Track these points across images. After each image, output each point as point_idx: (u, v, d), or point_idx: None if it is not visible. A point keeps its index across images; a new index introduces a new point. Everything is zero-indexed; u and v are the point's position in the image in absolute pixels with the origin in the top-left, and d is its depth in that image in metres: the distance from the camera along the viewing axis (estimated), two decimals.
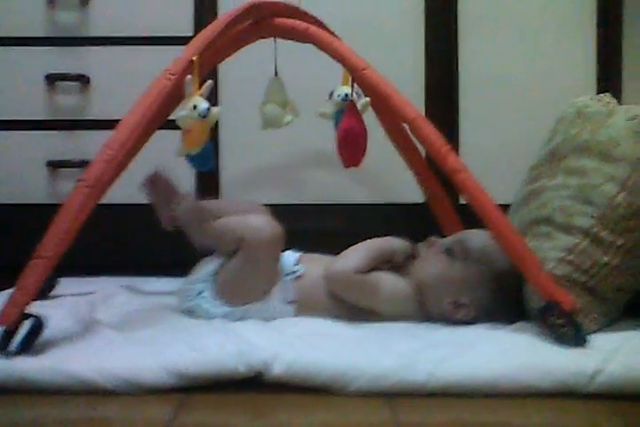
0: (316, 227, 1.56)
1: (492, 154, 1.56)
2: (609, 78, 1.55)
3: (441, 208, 1.42)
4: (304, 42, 1.19)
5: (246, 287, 1.14)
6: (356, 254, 1.14)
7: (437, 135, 1.07)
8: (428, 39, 1.56)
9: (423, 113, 1.52)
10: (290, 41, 1.23)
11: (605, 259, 1.04)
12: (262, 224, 1.14)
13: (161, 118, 1.13)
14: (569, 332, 0.97)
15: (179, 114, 1.08)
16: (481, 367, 0.89)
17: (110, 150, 1.02)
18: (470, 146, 1.55)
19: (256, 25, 1.21)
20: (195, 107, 1.07)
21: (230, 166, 1.49)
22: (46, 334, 0.96)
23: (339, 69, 1.22)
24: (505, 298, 1.11)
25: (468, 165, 1.07)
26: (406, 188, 1.52)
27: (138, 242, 1.57)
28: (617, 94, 1.50)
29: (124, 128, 1.04)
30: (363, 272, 1.12)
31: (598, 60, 1.56)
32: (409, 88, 1.48)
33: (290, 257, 1.20)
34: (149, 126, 1.08)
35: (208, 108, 1.07)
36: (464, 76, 1.56)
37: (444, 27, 1.56)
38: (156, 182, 1.25)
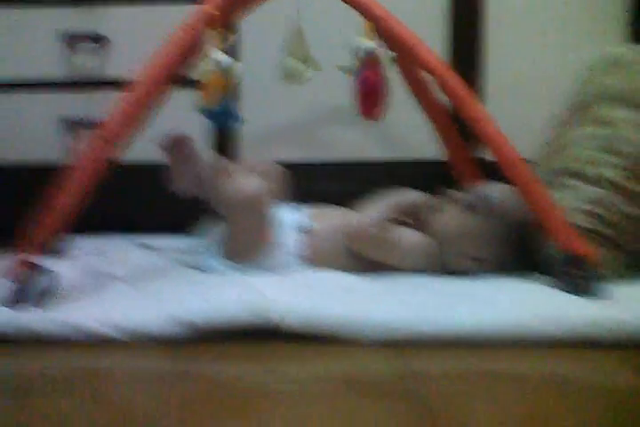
0: (334, 184, 1.55)
1: (518, 104, 1.52)
2: None
3: (462, 165, 1.40)
4: None
5: (245, 245, 1.14)
6: (375, 209, 1.13)
7: (461, 84, 1.04)
8: None
9: (446, 59, 1.50)
10: None
11: (631, 210, 1.02)
12: (243, 185, 1.13)
13: (179, 74, 1.11)
14: (588, 283, 0.96)
15: (198, 67, 1.06)
16: (495, 317, 0.88)
17: (127, 104, 1.01)
18: (495, 96, 1.52)
19: None
20: (214, 60, 1.06)
21: (249, 123, 1.47)
22: (59, 286, 0.96)
23: (361, 22, 1.19)
24: (524, 251, 1.10)
25: (492, 114, 1.04)
26: (426, 144, 1.49)
27: (152, 201, 1.56)
28: None
29: (141, 82, 1.03)
30: (382, 227, 1.10)
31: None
32: (431, 37, 1.46)
33: (299, 211, 1.20)
34: (167, 81, 1.06)
35: (228, 62, 1.06)
36: (490, 24, 1.53)
37: None
38: (177, 144, 1.23)
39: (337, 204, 1.26)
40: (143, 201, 1.55)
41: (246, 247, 1.14)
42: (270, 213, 1.16)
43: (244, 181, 1.15)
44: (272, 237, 1.14)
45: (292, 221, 1.17)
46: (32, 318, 0.89)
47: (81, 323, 0.88)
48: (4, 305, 0.92)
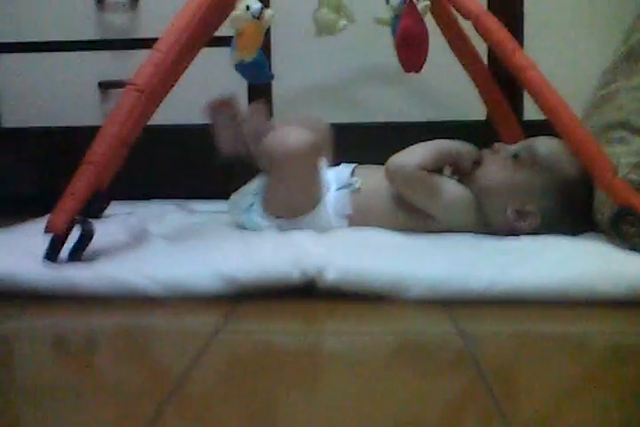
0: (372, 146, 1.50)
1: (561, 52, 1.45)
2: None
3: (505, 124, 1.35)
4: None
5: (289, 201, 1.11)
6: (421, 150, 1.08)
7: (503, 31, 0.99)
8: None
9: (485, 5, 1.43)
10: None
11: None
12: (290, 137, 1.09)
13: (210, 23, 1.08)
14: None
15: (231, 15, 1.03)
16: (546, 274, 0.83)
17: (159, 53, 0.99)
18: (536, 42, 1.43)
19: None
20: (248, 7, 1.03)
21: (283, 81, 1.44)
22: (97, 243, 0.94)
23: None
24: (573, 208, 1.05)
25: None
26: (467, 105, 1.44)
27: (191, 166, 1.54)
28: None
29: (172, 30, 1.00)
30: (426, 170, 1.06)
31: None
32: None
33: (345, 169, 1.16)
34: (197, 30, 1.03)
35: (261, 9, 1.03)
36: None
37: None
38: (223, 106, 1.20)
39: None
40: (182, 165, 1.53)
41: (292, 203, 1.11)
42: (319, 167, 1.13)
43: (294, 132, 1.10)
44: (319, 193, 1.11)
45: (337, 178, 1.14)
46: (76, 274, 0.87)
47: (124, 278, 0.86)
48: (44, 259, 0.90)
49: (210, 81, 1.43)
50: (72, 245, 0.92)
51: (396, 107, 1.50)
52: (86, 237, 0.92)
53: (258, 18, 1.04)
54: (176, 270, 0.88)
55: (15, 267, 0.88)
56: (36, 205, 1.23)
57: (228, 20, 1.05)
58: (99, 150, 0.95)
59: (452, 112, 1.50)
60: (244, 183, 1.20)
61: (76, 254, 0.91)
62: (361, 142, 1.48)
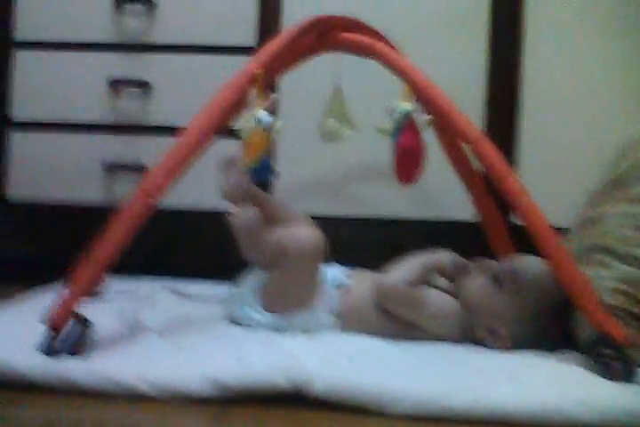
0: (364, 240, 1.56)
1: (552, 171, 1.53)
2: None
3: (493, 228, 1.41)
4: (367, 57, 1.19)
5: (289, 297, 1.15)
6: (406, 267, 1.14)
7: (498, 156, 1.05)
8: (492, 52, 1.54)
9: (482, 125, 1.52)
10: (351, 54, 1.23)
11: None
12: (307, 236, 1.15)
13: (221, 127, 1.14)
14: (619, 365, 0.95)
15: (242, 126, 1.09)
16: (527, 397, 0.88)
17: (172, 159, 1.04)
18: (529, 162, 1.53)
19: (321, 38, 1.21)
20: (258, 119, 1.08)
21: (283, 177, 1.50)
22: (92, 335, 0.98)
23: (400, 84, 1.22)
24: (546, 334, 1.09)
25: (526, 182, 1.05)
26: (458, 205, 1.51)
27: (185, 246, 1.59)
28: None
29: (185, 138, 1.06)
30: (413, 285, 1.12)
31: None
32: (469, 100, 1.50)
33: (340, 270, 1.21)
34: (209, 136, 1.09)
35: (270, 120, 1.08)
36: (527, 91, 1.54)
37: (509, 40, 1.54)
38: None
39: (365, 260, 1.27)
40: (184, 246, 1.57)
41: (292, 299, 1.15)
42: (321, 266, 1.17)
43: (304, 231, 1.16)
44: (316, 290, 1.16)
45: (333, 278, 1.18)
46: (69, 368, 0.91)
47: (118, 377, 0.89)
48: (41, 352, 0.93)
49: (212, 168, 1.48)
50: (69, 338, 0.95)
51: (392, 204, 1.57)
52: (82, 333, 0.96)
53: (267, 130, 1.09)
54: (168, 373, 0.91)
55: (10, 356, 0.92)
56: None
57: (239, 129, 1.10)
58: (106, 251, 0.99)
59: (443, 211, 1.56)
60: (241, 267, 1.24)
61: (72, 348, 0.95)
62: (352, 235, 1.54)
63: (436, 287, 1.15)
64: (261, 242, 1.17)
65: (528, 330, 1.09)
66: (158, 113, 1.60)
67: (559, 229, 1.07)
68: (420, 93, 1.12)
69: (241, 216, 1.17)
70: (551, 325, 1.09)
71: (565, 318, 1.08)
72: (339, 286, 1.17)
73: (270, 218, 1.21)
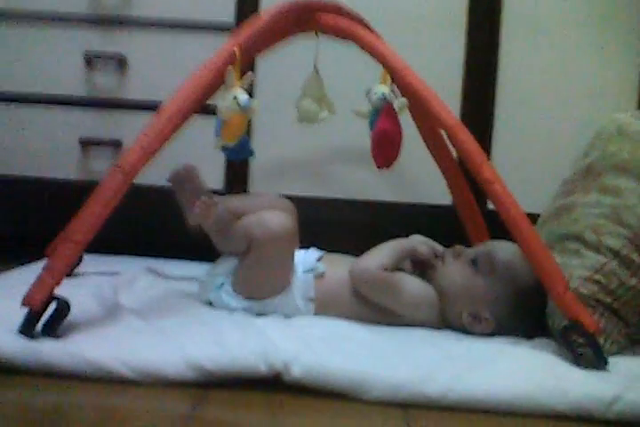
0: (341, 222, 1.57)
1: (526, 160, 1.56)
2: None
3: (468, 213, 1.42)
4: (345, 39, 1.18)
5: (261, 283, 1.15)
6: (381, 252, 1.15)
7: (474, 144, 1.06)
8: (469, 44, 1.56)
9: (458, 115, 1.52)
10: (330, 37, 1.22)
11: (633, 281, 1.03)
12: (272, 220, 1.14)
13: (198, 106, 1.13)
14: (589, 353, 0.96)
15: (219, 105, 1.08)
16: (498, 385, 0.89)
17: (148, 138, 1.02)
18: (504, 151, 1.55)
19: (299, 20, 1.20)
20: (235, 98, 1.07)
21: (261, 157, 1.49)
22: (70, 317, 0.97)
23: (378, 68, 1.21)
24: (527, 314, 1.11)
25: (500, 170, 1.06)
26: (435, 189, 1.52)
27: (163, 223, 1.58)
28: None
29: (162, 116, 1.04)
30: (388, 270, 1.12)
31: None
32: (446, 90, 1.49)
33: (312, 255, 1.21)
34: (187, 115, 1.08)
35: (247, 100, 1.08)
36: (502, 82, 1.56)
37: (486, 33, 1.55)
38: (185, 179, 1.23)
39: (341, 241, 1.28)
40: (160, 224, 1.56)
41: (264, 285, 1.15)
42: (294, 251, 1.17)
43: (274, 217, 1.15)
44: (289, 276, 1.16)
45: (304, 261, 1.18)
46: (48, 351, 0.90)
47: (96, 360, 0.89)
48: (19, 333, 0.93)
49: (191, 146, 1.46)
50: (47, 318, 0.94)
51: (367, 186, 1.57)
52: (61, 314, 0.95)
53: (245, 109, 1.09)
54: (147, 356, 0.91)
55: None
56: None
57: (217, 109, 1.09)
58: (82, 229, 0.98)
59: (419, 195, 1.57)
60: (212, 260, 1.24)
61: (51, 329, 0.94)
62: (329, 217, 1.55)
63: (412, 273, 1.16)
64: (230, 231, 1.17)
65: (509, 311, 1.10)
66: (135, 89, 1.58)
67: (533, 216, 1.08)
68: (398, 78, 1.12)
69: (204, 213, 1.16)
70: (532, 306, 1.11)
71: (543, 308, 1.10)
72: (311, 271, 1.17)
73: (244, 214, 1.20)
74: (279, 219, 1.14)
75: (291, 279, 1.15)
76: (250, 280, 1.15)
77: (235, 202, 1.25)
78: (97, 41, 1.57)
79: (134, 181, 1.01)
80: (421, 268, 1.17)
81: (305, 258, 1.19)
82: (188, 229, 1.21)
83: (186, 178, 1.23)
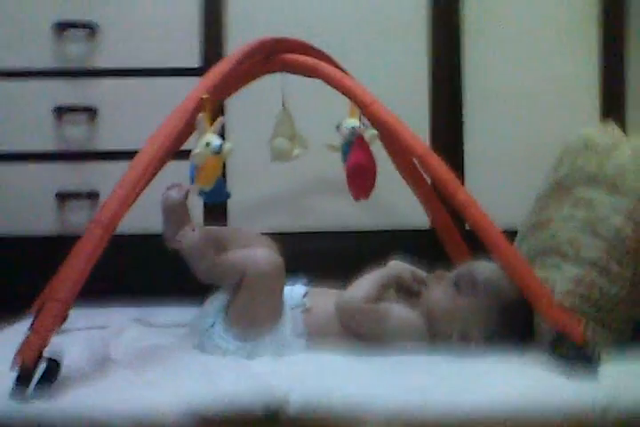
0: (323, 253, 1.58)
1: (498, 177, 1.60)
2: (612, 100, 1.60)
3: (448, 235, 1.44)
4: (313, 77, 1.21)
5: (254, 320, 1.15)
6: (365, 284, 1.16)
7: (446, 171, 1.08)
8: (433, 56, 1.60)
9: (428, 130, 1.57)
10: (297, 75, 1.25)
11: (614, 290, 1.06)
12: (263, 257, 1.14)
13: (172, 154, 1.14)
14: (579, 364, 0.98)
15: (193, 152, 1.09)
16: (494, 402, 0.91)
17: (123, 190, 1.03)
18: (476, 170, 1.59)
19: (266, 60, 1.23)
20: (208, 144, 1.09)
21: (238, 195, 1.50)
22: (62, 373, 0.96)
23: (346, 101, 1.23)
24: (515, 328, 1.12)
25: (474, 189, 1.10)
26: (413, 213, 1.53)
27: (147, 270, 1.58)
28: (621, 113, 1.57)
29: (136, 167, 1.04)
30: (372, 301, 1.13)
31: (602, 85, 1.61)
32: (413, 107, 1.55)
33: (298, 290, 1.21)
34: (161, 163, 1.09)
35: (221, 145, 1.09)
36: (469, 93, 1.60)
37: (449, 42, 1.60)
38: (176, 203, 1.23)
39: (325, 273, 1.29)
40: (146, 270, 1.57)
41: (257, 321, 1.14)
42: (283, 287, 1.18)
43: (263, 253, 1.16)
44: (280, 312, 1.16)
45: (291, 297, 1.19)
46: (42, 411, 0.90)
47: (91, 416, 0.89)
48: (10, 395, 0.92)
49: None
50: (37, 380, 0.93)
51: (346, 215, 1.59)
52: (51, 375, 0.95)
53: (218, 153, 1.10)
54: (140, 407, 0.91)
55: None
56: None
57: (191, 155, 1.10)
58: (64, 288, 0.97)
59: (399, 220, 1.59)
60: (203, 290, 1.24)
61: (42, 390, 0.93)
62: (310, 249, 1.56)
63: (397, 301, 1.17)
64: (214, 265, 1.17)
65: (497, 328, 1.11)
66: (107, 138, 1.59)
67: (510, 233, 1.11)
68: (366, 111, 1.14)
69: (187, 238, 1.17)
70: (519, 319, 1.12)
71: (530, 318, 1.11)
72: (298, 307, 1.18)
73: (226, 247, 1.21)
74: (271, 256, 1.15)
75: (281, 316, 1.16)
76: (243, 317, 1.15)
77: (216, 231, 1.25)
78: (65, 93, 1.58)
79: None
80: (406, 294, 1.18)
81: (291, 295, 1.20)
82: (168, 249, 1.21)
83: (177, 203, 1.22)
